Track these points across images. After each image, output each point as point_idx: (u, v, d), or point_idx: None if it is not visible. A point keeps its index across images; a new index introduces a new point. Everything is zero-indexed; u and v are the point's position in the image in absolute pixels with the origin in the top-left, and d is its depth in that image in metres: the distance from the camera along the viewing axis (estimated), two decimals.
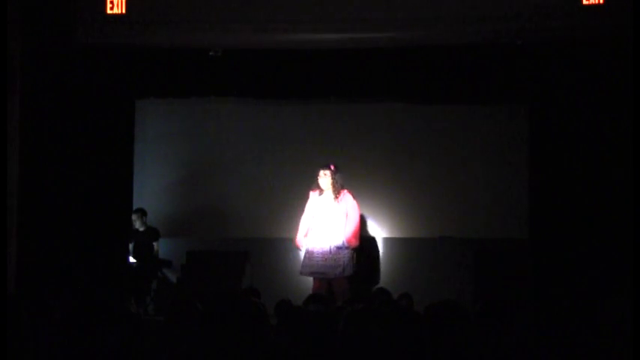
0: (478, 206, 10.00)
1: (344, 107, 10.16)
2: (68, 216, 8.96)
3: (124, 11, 8.72)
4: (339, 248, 8.38)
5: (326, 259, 8.36)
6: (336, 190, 8.50)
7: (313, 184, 8.88)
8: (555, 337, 4.08)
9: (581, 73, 8.79)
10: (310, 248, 8.55)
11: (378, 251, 10.01)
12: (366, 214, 10.03)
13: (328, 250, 8.39)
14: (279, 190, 10.08)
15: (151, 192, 10.28)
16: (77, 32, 8.76)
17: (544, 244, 9.07)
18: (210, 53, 8.87)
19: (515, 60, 8.93)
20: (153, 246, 9.79)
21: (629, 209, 7.73)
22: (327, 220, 8.51)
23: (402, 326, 3.97)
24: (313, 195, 8.79)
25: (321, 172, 8.59)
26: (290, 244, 10.02)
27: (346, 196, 8.53)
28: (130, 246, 9.68)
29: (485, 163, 10.04)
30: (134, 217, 9.68)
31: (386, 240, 10.07)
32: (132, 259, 9.69)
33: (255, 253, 9.81)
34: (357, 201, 8.80)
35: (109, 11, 8.73)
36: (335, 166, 8.62)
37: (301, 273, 8.78)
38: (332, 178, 8.51)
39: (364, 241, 9.29)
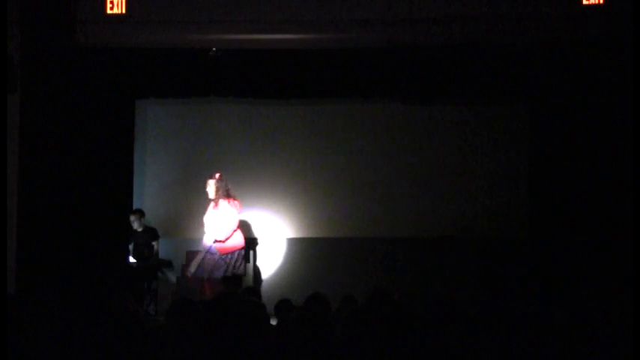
0: (478, 206, 9.99)
1: (344, 107, 10.16)
2: (68, 216, 8.97)
3: (124, 11, 8.73)
4: (212, 253, 8.92)
5: (204, 262, 8.96)
6: (218, 198, 8.91)
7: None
8: (555, 336, 4.08)
9: (581, 73, 8.80)
10: (199, 250, 9.09)
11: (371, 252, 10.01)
12: (365, 214, 10.03)
13: (207, 253, 8.94)
14: (279, 190, 10.07)
15: (151, 192, 10.28)
16: (77, 32, 8.78)
17: (544, 244, 9.08)
18: (210, 53, 8.91)
19: (515, 60, 8.93)
20: (152, 246, 9.79)
21: (629, 209, 7.73)
22: (210, 226, 8.98)
23: (401, 326, 3.97)
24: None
25: (209, 181, 9.05)
26: (290, 244, 10.04)
27: (223, 204, 8.83)
28: (130, 246, 9.69)
29: (485, 163, 10.04)
30: (132, 218, 9.67)
31: (386, 240, 10.06)
32: (132, 259, 9.69)
33: (256, 253, 9.81)
34: (240, 210, 9.09)
35: (109, 11, 8.74)
36: (220, 176, 8.95)
37: (190, 274, 9.12)
38: (216, 186, 8.79)
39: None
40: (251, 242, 9.61)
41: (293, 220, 10.04)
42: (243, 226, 9.46)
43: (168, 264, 9.89)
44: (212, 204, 9.01)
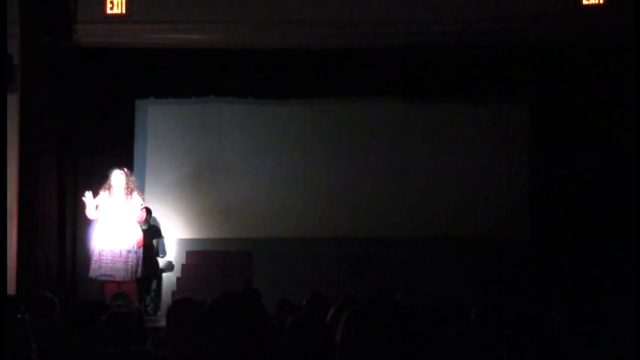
0: (478, 206, 9.99)
1: (344, 107, 10.15)
2: (68, 216, 8.97)
3: (124, 11, 8.75)
4: (128, 251, 8.29)
5: (115, 262, 8.23)
6: (128, 192, 8.35)
7: (105, 183, 8.40)
8: (555, 337, 4.07)
9: (581, 73, 8.81)
10: (99, 250, 8.30)
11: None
12: (365, 214, 10.03)
13: (118, 252, 8.28)
14: (279, 190, 10.07)
15: (151, 192, 10.27)
16: (77, 32, 8.79)
17: (544, 244, 9.08)
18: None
19: (515, 60, 8.94)
20: (153, 244, 9.77)
21: (630, 209, 7.73)
22: (118, 222, 8.33)
23: (402, 326, 3.97)
24: (103, 194, 8.36)
25: (117, 172, 8.37)
26: (290, 244, 10.03)
27: (136, 199, 8.39)
28: None
29: (485, 163, 10.03)
30: None
31: (386, 240, 10.06)
32: None
33: (256, 252, 9.81)
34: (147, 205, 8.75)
35: (109, 11, 8.76)
36: (128, 170, 8.51)
37: (90, 276, 8.35)
38: (126, 179, 8.34)
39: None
40: (252, 242, 9.61)
41: (292, 219, 10.03)
42: (251, 223, 9.35)
43: (169, 264, 9.88)
44: (115, 198, 8.28)
